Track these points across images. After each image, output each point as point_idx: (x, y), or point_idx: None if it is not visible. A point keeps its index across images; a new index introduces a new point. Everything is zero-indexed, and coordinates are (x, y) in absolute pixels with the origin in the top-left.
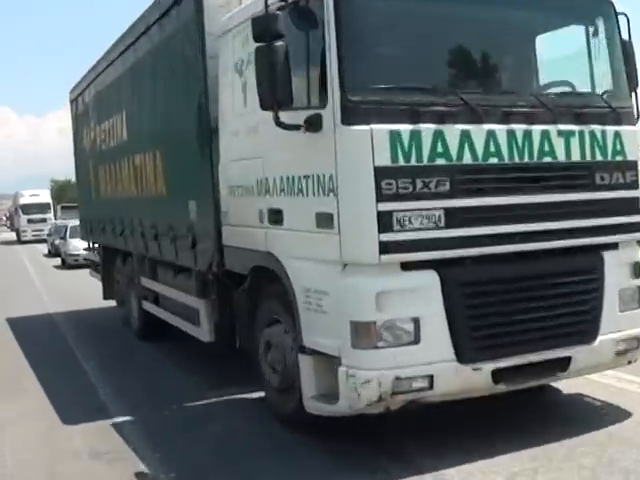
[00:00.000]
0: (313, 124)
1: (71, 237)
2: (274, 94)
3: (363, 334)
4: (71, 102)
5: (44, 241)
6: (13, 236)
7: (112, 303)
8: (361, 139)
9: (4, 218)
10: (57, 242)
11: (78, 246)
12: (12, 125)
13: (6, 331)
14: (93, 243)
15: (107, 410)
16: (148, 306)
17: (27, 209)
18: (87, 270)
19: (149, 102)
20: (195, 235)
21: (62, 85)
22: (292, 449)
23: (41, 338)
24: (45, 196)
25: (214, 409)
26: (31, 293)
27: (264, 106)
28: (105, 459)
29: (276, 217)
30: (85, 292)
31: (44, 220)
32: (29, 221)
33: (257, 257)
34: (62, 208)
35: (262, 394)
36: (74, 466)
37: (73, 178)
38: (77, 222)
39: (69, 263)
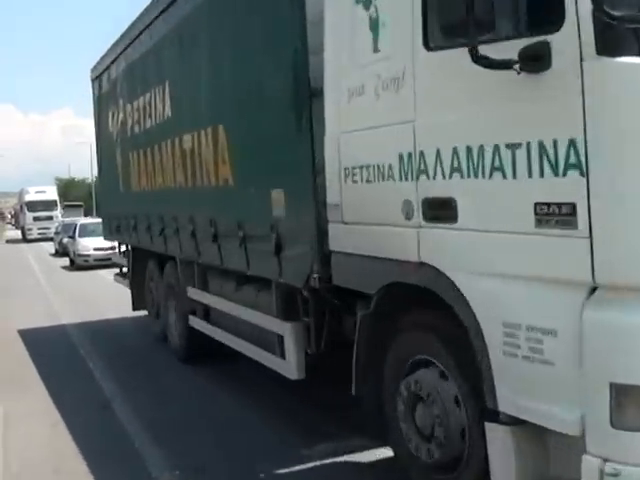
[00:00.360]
0: (536, 59)
1: (81, 236)
2: (469, 12)
3: (635, 407)
4: (93, 81)
5: (50, 240)
6: (18, 234)
7: (133, 312)
8: (636, 79)
9: (9, 216)
10: (65, 241)
11: (88, 246)
12: (16, 123)
13: (14, 345)
14: (119, 244)
15: (112, 408)
16: (197, 323)
17: (33, 206)
18: (99, 272)
19: (206, 64)
20: (281, 237)
21: (66, 84)
22: None
23: (55, 357)
24: (51, 193)
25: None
26: (39, 298)
27: (449, 35)
28: (110, 458)
29: (441, 211)
30: (102, 298)
31: (50, 218)
32: (35, 219)
33: (398, 270)
34: (65, 207)
35: (382, 452)
36: (79, 465)
37: (77, 176)
38: (86, 220)
39: (78, 264)
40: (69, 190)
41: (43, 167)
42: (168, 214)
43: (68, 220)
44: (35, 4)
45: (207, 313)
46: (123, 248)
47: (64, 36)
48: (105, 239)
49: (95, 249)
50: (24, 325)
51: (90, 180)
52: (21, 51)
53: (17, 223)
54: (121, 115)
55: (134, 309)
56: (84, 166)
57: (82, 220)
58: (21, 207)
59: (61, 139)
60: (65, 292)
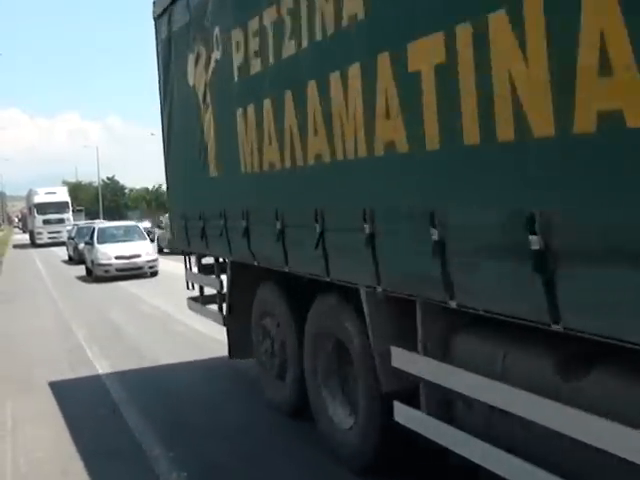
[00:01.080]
0: None
1: (100, 242)
2: None
3: None
4: (158, 18)
5: (62, 244)
6: (26, 238)
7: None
8: None
9: (16, 219)
10: (81, 247)
11: (109, 254)
12: (22, 127)
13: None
14: (198, 257)
15: (119, 410)
16: (413, 418)
17: (42, 208)
18: (121, 284)
19: None
20: None
21: (72, 88)
22: None
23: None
24: (62, 194)
25: None
26: (55, 327)
27: None
28: (118, 458)
29: None
30: (145, 328)
31: (62, 221)
32: (45, 222)
33: None
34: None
35: None
36: (87, 465)
37: (84, 180)
38: (105, 224)
39: (98, 274)
40: (76, 193)
41: (49, 171)
42: (330, 210)
43: (83, 223)
44: (44, 5)
45: (443, 403)
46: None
47: (73, 39)
48: (170, 248)
49: (117, 257)
50: (38, 372)
51: (97, 183)
52: (27, 55)
53: (25, 226)
54: (217, 53)
55: (232, 357)
56: (90, 170)
57: (101, 224)
58: (30, 209)
59: (67, 143)
60: (89, 316)
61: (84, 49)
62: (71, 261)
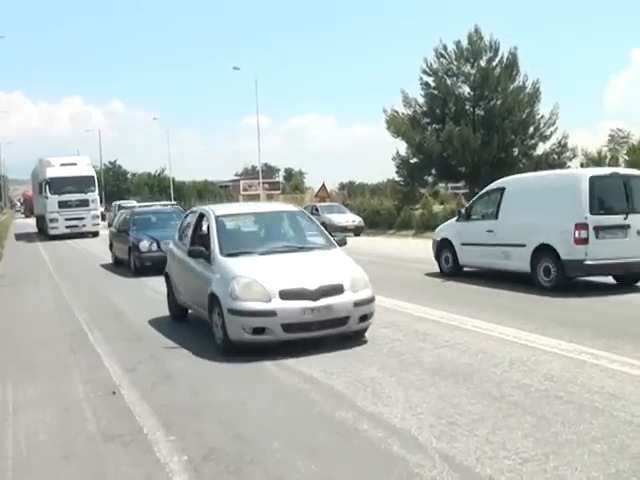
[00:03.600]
0: None
1: (228, 253)
2: None
3: None
4: None
5: (81, 235)
6: (31, 224)
7: None
8: None
9: (18, 203)
10: (145, 246)
11: (266, 288)
12: (25, 111)
13: None
14: None
15: (121, 393)
16: None
17: (58, 185)
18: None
19: None
20: None
21: (76, 72)
22: None
23: None
24: (85, 166)
25: None
26: None
27: None
28: (119, 442)
29: None
30: None
31: (85, 203)
32: (62, 204)
33: None
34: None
35: None
36: (88, 449)
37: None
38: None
39: (239, 339)
40: None
41: (51, 154)
42: None
43: (141, 207)
44: None
45: None
46: None
47: (74, 24)
48: None
49: (286, 295)
50: None
51: (99, 168)
52: (31, 39)
53: (28, 210)
54: None
55: None
56: (92, 154)
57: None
58: (40, 187)
59: (69, 127)
60: None
61: (85, 36)
62: (116, 265)
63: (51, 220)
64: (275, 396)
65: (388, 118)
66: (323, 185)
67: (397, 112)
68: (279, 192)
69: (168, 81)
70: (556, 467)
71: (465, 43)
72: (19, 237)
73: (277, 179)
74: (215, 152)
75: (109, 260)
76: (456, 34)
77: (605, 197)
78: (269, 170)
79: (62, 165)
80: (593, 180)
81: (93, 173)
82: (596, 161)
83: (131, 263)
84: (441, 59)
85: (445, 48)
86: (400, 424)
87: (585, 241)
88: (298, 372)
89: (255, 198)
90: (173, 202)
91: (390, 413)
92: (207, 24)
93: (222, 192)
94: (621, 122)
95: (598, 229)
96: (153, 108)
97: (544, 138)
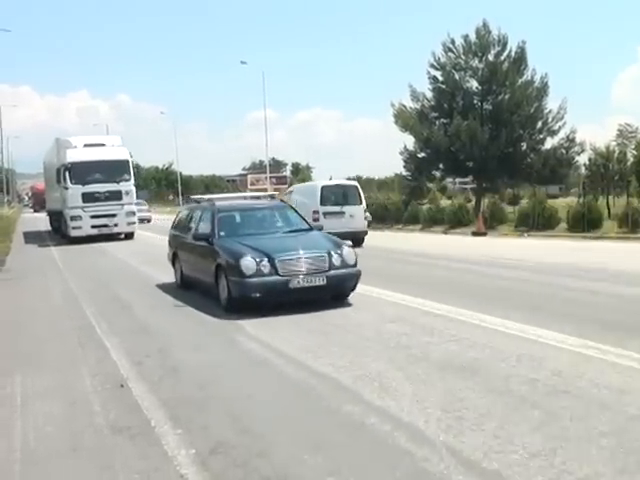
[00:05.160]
0: None
1: None
2: None
3: None
4: None
5: (109, 238)
6: (41, 220)
7: None
8: None
9: (26, 197)
10: (250, 266)
11: None
12: (33, 105)
13: None
14: None
15: (129, 386)
16: None
17: (82, 172)
18: None
19: None
20: None
21: (83, 66)
22: None
23: None
24: (117, 147)
25: None
26: None
27: None
28: (127, 434)
29: None
30: None
31: (117, 196)
32: (87, 198)
33: None
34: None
35: None
36: (96, 441)
37: None
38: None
39: None
40: None
41: None
42: None
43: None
44: None
45: None
46: None
47: (82, 18)
48: None
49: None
50: None
51: None
52: (38, 33)
53: (37, 205)
54: None
55: None
56: None
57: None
58: (58, 174)
59: (77, 121)
60: None
61: (92, 30)
62: (187, 290)
63: (73, 218)
64: (282, 390)
65: (396, 112)
66: (330, 179)
67: (405, 106)
68: (286, 186)
69: (175, 75)
70: (563, 462)
71: (473, 37)
72: (29, 238)
73: (284, 173)
74: (222, 146)
75: (165, 278)
76: (464, 28)
77: (329, 197)
78: (276, 164)
79: (86, 146)
80: (323, 187)
81: (127, 156)
82: (604, 156)
83: (222, 292)
84: (449, 53)
85: (453, 42)
86: (407, 418)
87: (318, 220)
88: (305, 366)
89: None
90: (265, 193)
91: (397, 407)
92: (214, 18)
93: (229, 186)
94: (630, 117)
95: (325, 213)
96: (160, 102)
97: (552, 133)
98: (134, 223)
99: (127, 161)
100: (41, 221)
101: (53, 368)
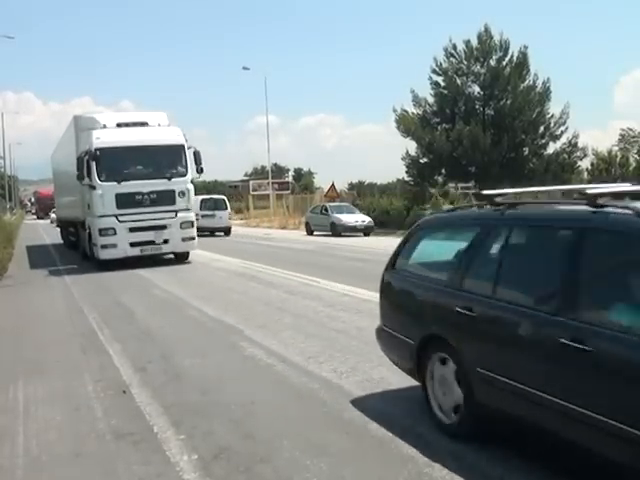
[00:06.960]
0: None
1: None
2: None
3: None
4: None
5: (159, 262)
6: (45, 227)
7: None
8: None
9: (29, 203)
10: None
11: None
12: (36, 111)
13: None
14: None
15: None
16: None
17: (116, 162)
18: None
19: None
20: None
21: (86, 72)
22: None
23: None
24: (165, 128)
25: None
26: None
27: None
28: (129, 440)
29: None
30: None
31: (169, 198)
32: (123, 201)
33: None
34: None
35: None
36: (99, 447)
37: None
38: None
39: None
40: None
41: None
42: None
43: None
44: None
45: None
46: None
47: (86, 25)
48: None
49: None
50: None
51: None
52: (41, 40)
53: (42, 211)
54: None
55: None
56: None
57: None
58: (80, 166)
59: None
60: None
61: (96, 36)
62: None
63: (103, 232)
64: (285, 395)
65: (398, 117)
66: (332, 185)
67: (407, 112)
68: (288, 192)
69: (177, 81)
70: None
71: (475, 42)
72: (34, 258)
73: (287, 179)
74: (225, 152)
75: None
76: (466, 33)
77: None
78: (279, 170)
79: (120, 126)
80: (202, 200)
81: (182, 140)
82: (607, 160)
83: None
84: (451, 58)
85: (455, 47)
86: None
87: (197, 220)
88: (307, 372)
89: (264, 198)
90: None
91: (400, 414)
92: (217, 24)
93: (232, 192)
94: (632, 121)
95: (202, 216)
96: (162, 108)
97: (554, 137)
98: (193, 239)
99: (182, 146)
100: (44, 229)
101: None
